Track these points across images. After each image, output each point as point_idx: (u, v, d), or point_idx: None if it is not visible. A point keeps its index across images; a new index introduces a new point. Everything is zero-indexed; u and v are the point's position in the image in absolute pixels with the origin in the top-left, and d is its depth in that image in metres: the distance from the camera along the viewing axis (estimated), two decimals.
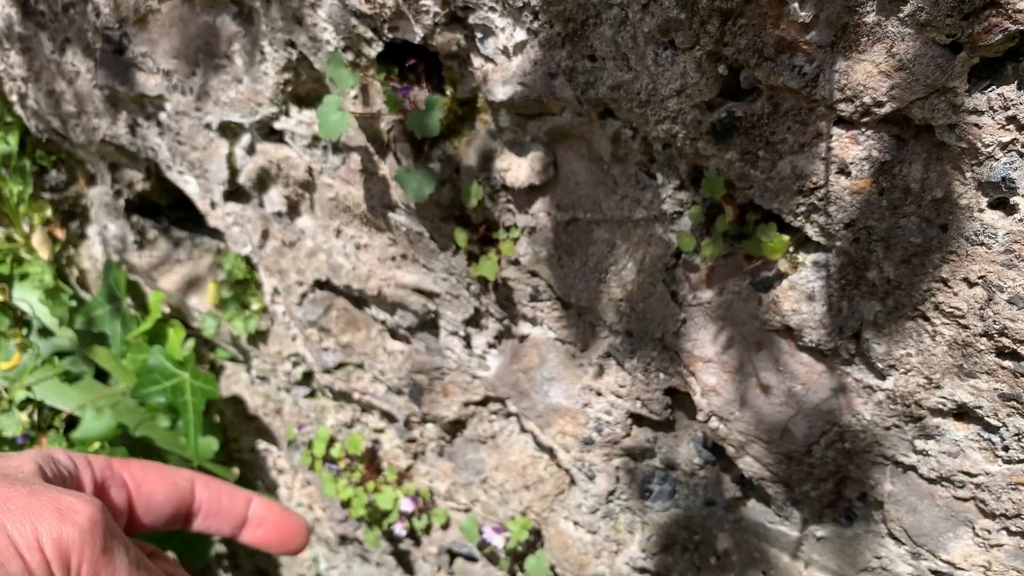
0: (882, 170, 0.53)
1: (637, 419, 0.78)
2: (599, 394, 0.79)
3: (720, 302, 0.67)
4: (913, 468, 0.63)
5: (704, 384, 0.70)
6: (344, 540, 1.12)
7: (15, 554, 0.39)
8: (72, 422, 1.08)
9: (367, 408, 0.99)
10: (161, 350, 1.01)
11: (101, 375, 1.15)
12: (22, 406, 1.05)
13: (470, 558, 1.02)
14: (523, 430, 0.90)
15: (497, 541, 0.90)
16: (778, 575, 0.77)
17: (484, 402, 0.90)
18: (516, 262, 0.76)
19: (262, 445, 1.13)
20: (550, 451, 0.89)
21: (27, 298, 1.14)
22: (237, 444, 1.16)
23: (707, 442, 0.76)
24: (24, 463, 0.50)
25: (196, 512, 0.70)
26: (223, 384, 1.11)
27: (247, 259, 0.96)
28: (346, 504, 1.02)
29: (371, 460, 1.01)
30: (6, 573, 0.39)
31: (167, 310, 1.08)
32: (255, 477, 1.19)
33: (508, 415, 0.90)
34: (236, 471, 1.14)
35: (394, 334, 0.93)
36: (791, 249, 0.61)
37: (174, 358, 1.01)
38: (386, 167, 0.77)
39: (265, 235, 0.92)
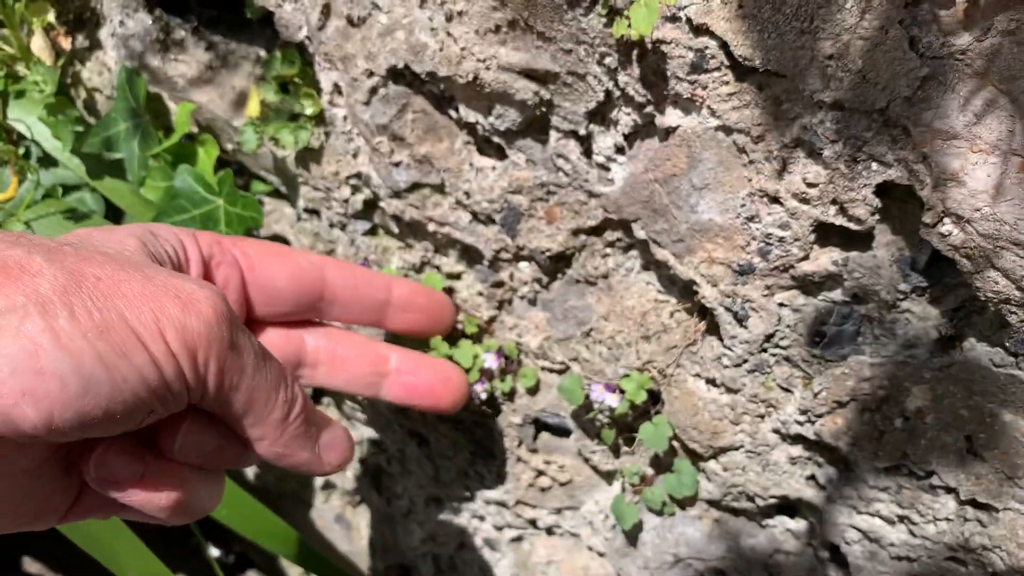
0: None
1: (823, 233, 0.60)
2: (775, 200, 0.60)
3: (982, 50, 0.49)
4: None
5: (942, 170, 0.52)
6: (402, 413, 0.95)
7: (138, 344, 0.35)
8: None
9: (442, 246, 0.80)
10: (189, 170, 0.82)
11: (114, 214, 0.96)
12: None
13: (561, 430, 0.85)
14: (646, 267, 0.72)
15: (611, 400, 0.73)
16: (992, 438, 0.60)
17: (600, 229, 0.72)
18: (675, 17, 0.57)
19: None
20: (687, 288, 0.71)
21: (24, 118, 0.95)
22: None
23: (917, 262, 0.58)
24: (126, 239, 0.44)
25: (330, 302, 0.63)
26: (265, 225, 0.92)
27: (300, 49, 0.77)
28: None
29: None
30: (130, 365, 0.35)
31: (195, 130, 0.89)
32: None
33: (628, 247, 0.72)
34: None
35: (484, 147, 0.74)
36: None
37: (205, 180, 0.82)
38: None
39: (326, 11, 0.72)
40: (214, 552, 1.49)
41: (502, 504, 0.96)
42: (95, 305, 0.34)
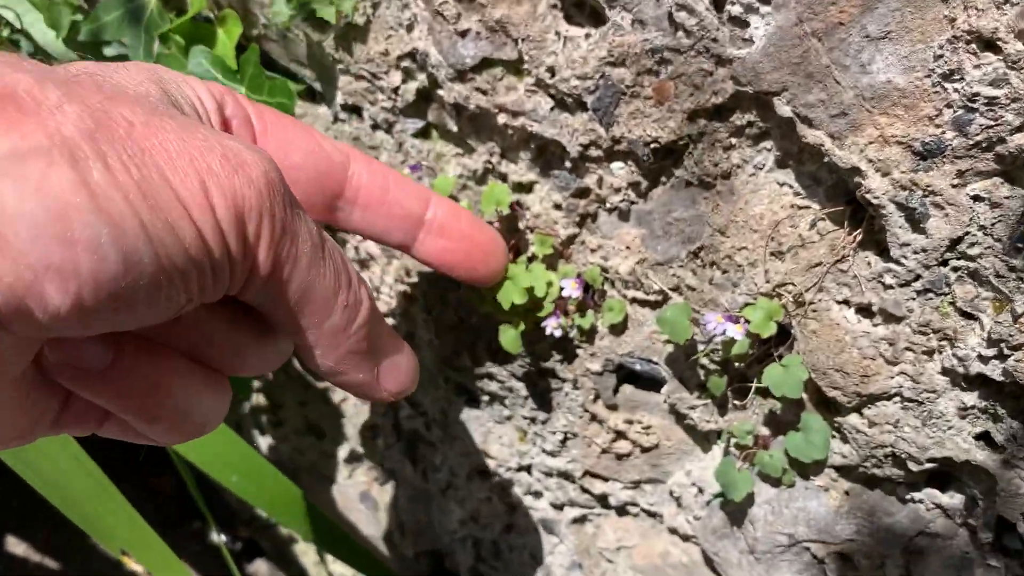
0: None
1: None
2: (989, 46, 0.45)
3: None
4: None
5: None
6: (451, 363, 0.79)
7: (184, 213, 0.29)
8: None
9: (512, 148, 0.65)
10: (205, 52, 0.67)
11: None
12: None
13: (651, 380, 0.70)
14: (782, 163, 0.57)
15: (732, 332, 0.57)
16: None
17: (726, 110, 0.56)
18: None
19: None
20: (838, 186, 0.55)
21: (14, 5, 0.80)
22: None
23: None
24: (144, 82, 0.36)
25: (351, 202, 0.52)
26: None
27: None
28: (470, 292, 0.69)
29: (511, 229, 0.68)
30: (176, 239, 0.28)
31: (212, 15, 0.74)
32: None
33: (761, 135, 0.56)
34: None
35: (574, 12, 0.59)
36: None
37: (225, 64, 0.67)
38: None
39: None
40: (219, 538, 1.34)
41: (566, 476, 0.80)
42: (132, 159, 0.28)
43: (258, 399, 1.09)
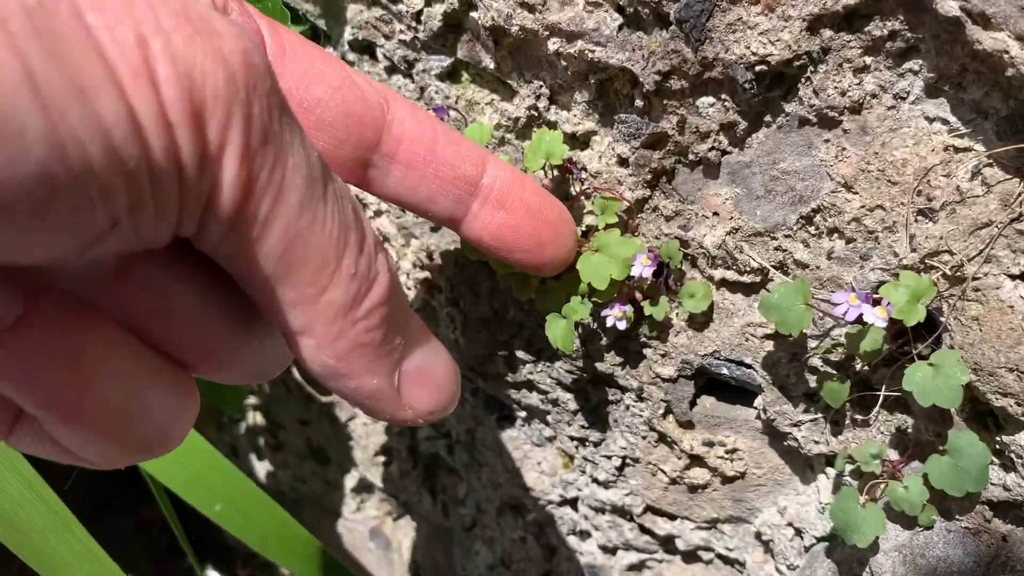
0: None
1: None
2: None
3: None
4: None
5: None
6: (481, 369, 0.65)
7: (104, 74, 0.20)
8: None
9: (564, 87, 0.51)
10: None
11: None
12: None
13: (741, 390, 0.55)
14: (933, 91, 0.42)
15: (872, 316, 0.42)
16: None
17: (863, 15, 0.42)
18: None
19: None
20: (1017, 117, 0.40)
21: None
22: None
23: None
24: None
25: (389, 153, 0.41)
26: None
27: None
28: (509, 274, 0.55)
29: (563, 192, 0.54)
30: (84, 108, 0.20)
31: None
32: None
33: (906, 51, 0.42)
34: None
35: None
36: None
37: None
38: None
39: None
40: None
41: (621, 512, 0.65)
42: None
43: (255, 418, 0.94)
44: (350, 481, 0.87)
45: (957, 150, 0.42)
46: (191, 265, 0.27)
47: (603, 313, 0.51)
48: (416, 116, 0.42)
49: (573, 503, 0.68)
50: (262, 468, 0.98)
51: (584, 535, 0.69)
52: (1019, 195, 0.41)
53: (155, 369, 0.27)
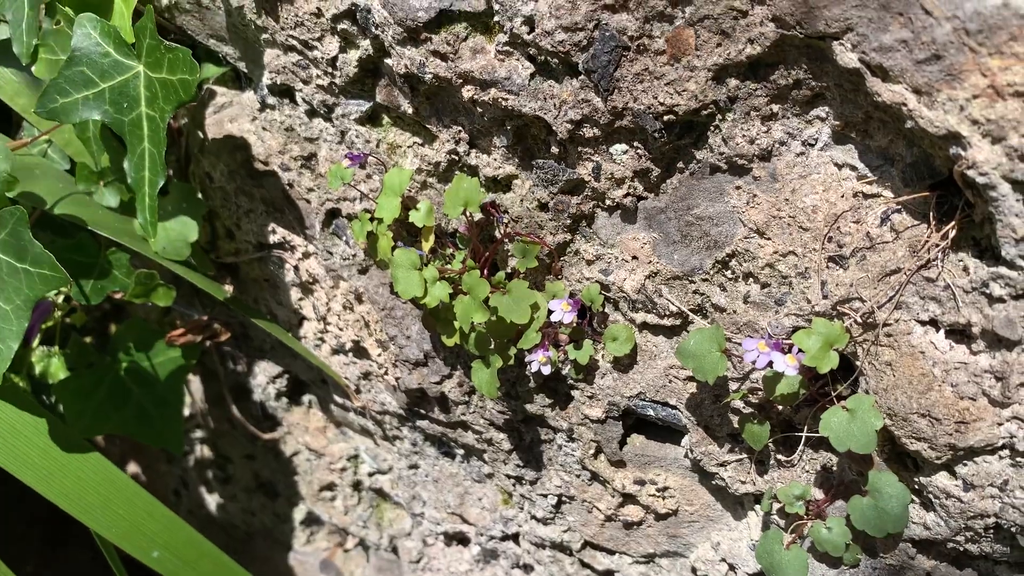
0: None
1: None
2: None
3: None
4: None
5: None
6: (416, 409, 0.64)
7: None
8: None
9: (482, 131, 0.51)
10: (94, 21, 0.53)
11: (3, 121, 0.68)
12: None
13: (668, 429, 0.55)
14: (840, 138, 0.42)
15: (780, 365, 0.42)
16: None
17: (767, 64, 0.42)
18: None
19: (277, 232, 0.64)
20: (922, 163, 0.40)
21: None
22: (234, 236, 0.68)
23: None
24: None
25: None
26: (213, 123, 0.62)
27: None
28: (434, 319, 0.54)
29: (485, 236, 0.53)
30: None
31: None
32: (260, 298, 0.71)
33: (812, 99, 0.42)
34: (229, 288, 0.66)
35: None
36: None
37: (118, 36, 0.53)
38: None
39: None
40: None
41: (561, 548, 0.65)
42: None
43: (203, 451, 0.93)
44: (299, 514, 0.86)
45: (866, 196, 0.42)
46: None
47: (527, 359, 0.51)
48: None
49: (515, 538, 0.68)
50: (212, 500, 0.96)
51: (528, 568, 0.69)
52: (926, 242, 0.41)
53: None
